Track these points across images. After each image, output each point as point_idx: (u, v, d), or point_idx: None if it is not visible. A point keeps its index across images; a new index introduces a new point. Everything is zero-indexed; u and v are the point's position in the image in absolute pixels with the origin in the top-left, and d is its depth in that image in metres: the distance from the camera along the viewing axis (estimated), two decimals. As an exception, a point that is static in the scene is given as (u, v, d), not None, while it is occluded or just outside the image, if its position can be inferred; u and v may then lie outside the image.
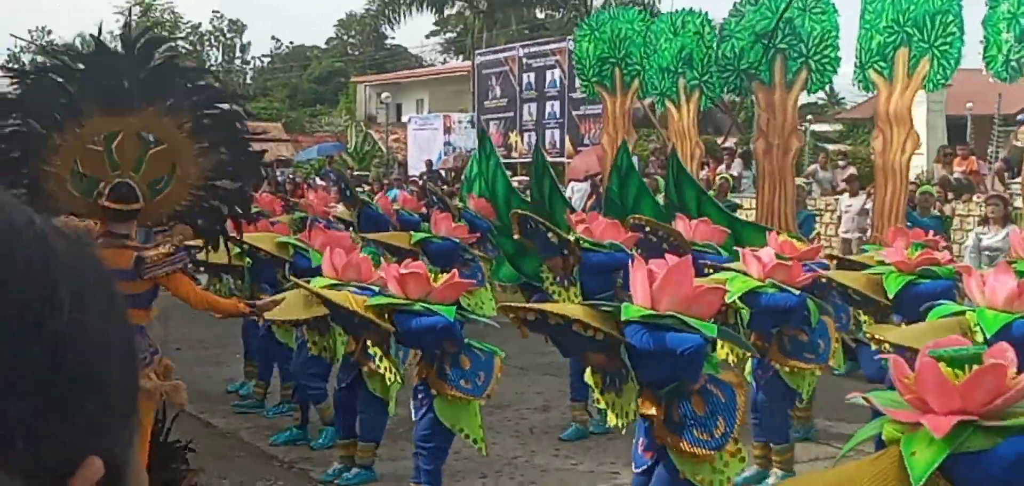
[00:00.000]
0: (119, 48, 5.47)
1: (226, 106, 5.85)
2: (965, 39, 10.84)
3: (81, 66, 5.34)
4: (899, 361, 3.11)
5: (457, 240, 10.95)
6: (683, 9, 14.11)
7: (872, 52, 11.31)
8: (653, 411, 4.98)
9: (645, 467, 5.15)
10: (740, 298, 6.74)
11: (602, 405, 5.25)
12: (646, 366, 4.93)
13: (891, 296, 7.28)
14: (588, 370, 5.27)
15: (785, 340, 7.20)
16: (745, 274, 7.01)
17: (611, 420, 5.18)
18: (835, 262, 9.01)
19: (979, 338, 5.38)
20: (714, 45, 13.49)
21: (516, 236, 9.66)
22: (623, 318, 4.94)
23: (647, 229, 9.57)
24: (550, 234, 8.79)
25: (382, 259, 11.16)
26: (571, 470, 7.73)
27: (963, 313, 5.68)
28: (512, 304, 5.53)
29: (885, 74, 11.22)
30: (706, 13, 14.08)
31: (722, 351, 6.86)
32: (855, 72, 11.71)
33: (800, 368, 7.19)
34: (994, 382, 2.83)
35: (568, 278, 8.60)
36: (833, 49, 12.28)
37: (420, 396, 6.30)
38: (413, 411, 6.39)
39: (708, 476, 4.97)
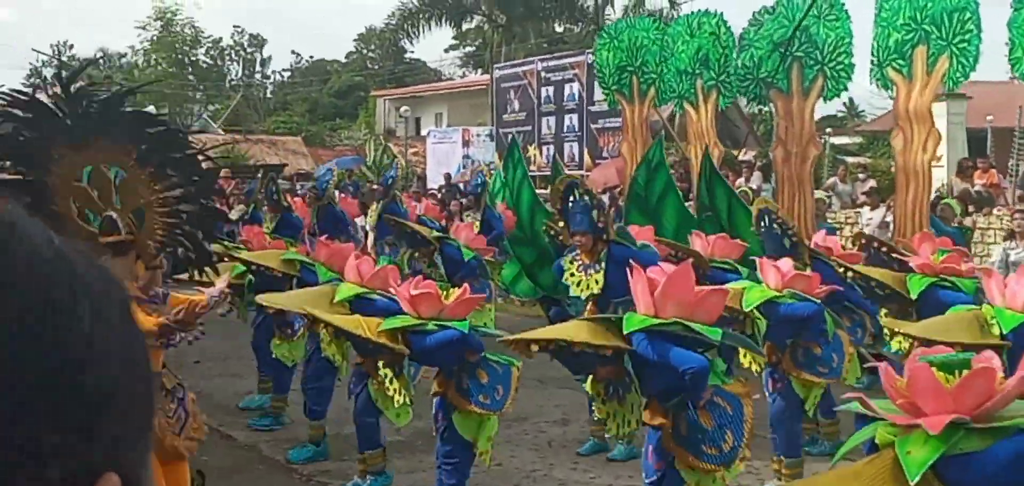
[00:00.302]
0: (57, 89, 5.53)
1: (159, 129, 5.83)
2: (982, 37, 10.80)
3: (28, 112, 5.37)
4: (887, 369, 3.10)
5: (474, 253, 10.94)
6: (699, 10, 14.15)
7: (890, 50, 11.28)
8: (660, 421, 4.97)
9: (654, 478, 5.14)
10: (758, 308, 6.69)
11: (602, 415, 5.25)
12: (650, 377, 4.93)
13: (914, 296, 7.27)
14: (590, 379, 5.23)
15: (799, 352, 7.18)
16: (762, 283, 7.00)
17: (611, 429, 5.21)
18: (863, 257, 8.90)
19: (996, 331, 5.51)
20: (731, 45, 13.54)
21: (557, 206, 9.34)
22: (626, 329, 4.89)
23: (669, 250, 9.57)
24: (595, 212, 8.47)
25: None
26: (589, 484, 7.73)
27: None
28: (514, 336, 5.31)
29: (904, 72, 11.18)
30: (722, 14, 14.11)
31: (745, 360, 6.84)
32: (872, 70, 11.65)
33: (811, 381, 7.18)
34: (984, 385, 2.87)
35: (594, 266, 8.41)
36: (847, 55, 12.30)
37: (439, 413, 6.30)
38: (434, 426, 6.40)
39: (482, 438, 5.68)
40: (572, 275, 8.44)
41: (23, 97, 5.58)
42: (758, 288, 6.80)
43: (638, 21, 15.53)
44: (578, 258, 8.49)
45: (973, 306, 6.22)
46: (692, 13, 14.26)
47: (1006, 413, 2.95)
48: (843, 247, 9.27)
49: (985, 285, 6.10)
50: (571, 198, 8.55)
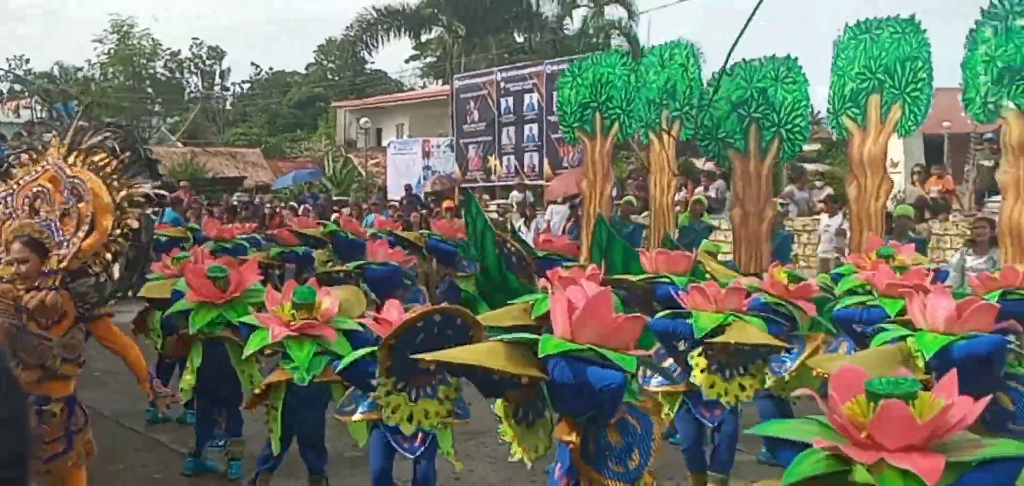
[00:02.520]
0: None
1: None
2: (933, 85, 10.97)
3: None
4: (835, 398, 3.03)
5: (396, 264, 10.77)
6: (671, 42, 14.20)
7: (845, 98, 11.39)
8: (573, 438, 4.78)
9: None
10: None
11: (508, 435, 4.98)
12: (565, 399, 4.72)
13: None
14: (499, 401, 5.00)
15: None
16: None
17: (516, 453, 4.94)
18: None
19: (920, 364, 5.31)
20: (698, 78, 13.58)
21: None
22: (542, 352, 4.62)
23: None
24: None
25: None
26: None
27: (905, 338, 5.59)
28: (431, 356, 4.82)
29: (858, 120, 11.30)
30: (693, 45, 14.20)
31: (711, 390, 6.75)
32: (829, 119, 11.81)
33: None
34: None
35: None
36: (803, 118, 12.48)
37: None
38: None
39: None
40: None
41: None
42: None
43: (603, 57, 15.53)
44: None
45: (897, 328, 5.88)
46: (664, 44, 14.31)
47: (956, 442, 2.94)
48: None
49: (908, 308, 5.85)
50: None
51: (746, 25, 12.25)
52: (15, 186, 5.70)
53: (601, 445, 4.77)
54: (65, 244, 5.46)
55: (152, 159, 6.02)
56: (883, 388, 2.97)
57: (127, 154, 5.81)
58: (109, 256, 5.66)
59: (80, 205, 5.55)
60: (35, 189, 5.62)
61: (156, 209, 6.34)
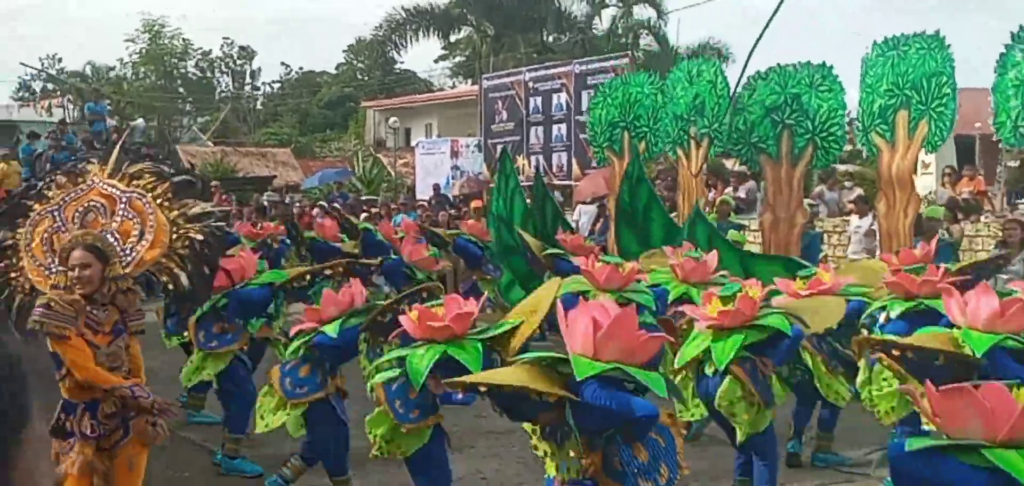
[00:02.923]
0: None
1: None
2: (957, 100, 10.95)
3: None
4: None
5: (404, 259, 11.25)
6: (700, 58, 14.20)
7: (874, 115, 11.37)
8: (592, 459, 4.75)
9: None
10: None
11: (540, 450, 5.01)
12: (594, 419, 4.63)
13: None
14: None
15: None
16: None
17: (550, 470, 4.92)
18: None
19: (969, 352, 5.42)
20: (726, 96, 13.55)
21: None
22: (579, 375, 4.55)
23: None
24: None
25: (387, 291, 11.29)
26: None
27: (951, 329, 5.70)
28: (458, 378, 5.00)
29: (887, 137, 11.26)
30: (720, 64, 14.22)
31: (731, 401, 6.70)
32: (858, 136, 11.77)
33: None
34: None
35: None
36: (839, 127, 12.36)
37: None
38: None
39: None
40: None
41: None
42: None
43: (632, 77, 15.54)
44: None
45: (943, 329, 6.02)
46: (692, 60, 14.31)
47: None
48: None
49: (946, 306, 5.95)
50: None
51: (766, 25, 12.23)
52: (61, 201, 5.92)
53: (627, 461, 4.71)
54: (129, 252, 5.68)
55: (201, 178, 6.35)
56: None
57: (172, 179, 6.08)
58: (174, 266, 5.87)
59: (140, 219, 5.79)
60: (87, 203, 5.86)
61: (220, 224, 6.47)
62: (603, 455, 4.75)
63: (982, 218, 15.64)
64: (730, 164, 21.40)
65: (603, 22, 42.36)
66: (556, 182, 24.63)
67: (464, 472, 7.46)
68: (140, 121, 33.73)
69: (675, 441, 4.85)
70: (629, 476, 4.70)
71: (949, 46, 11.06)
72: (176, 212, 5.94)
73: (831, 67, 12.30)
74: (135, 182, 5.98)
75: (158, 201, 5.92)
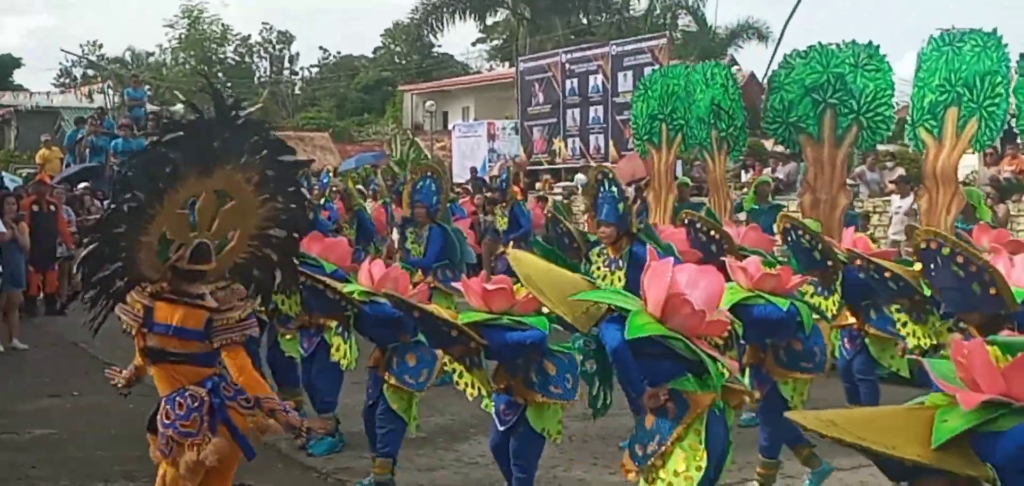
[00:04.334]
0: (212, 111, 5.63)
1: (290, 158, 5.94)
2: (1010, 100, 10.72)
3: (181, 133, 5.41)
4: (958, 341, 3.60)
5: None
6: (712, 62, 14.05)
7: (924, 110, 11.12)
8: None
9: (507, 425, 6.24)
10: (731, 310, 6.18)
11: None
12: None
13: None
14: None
15: (780, 351, 7.02)
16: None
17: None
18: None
19: None
20: (738, 98, 13.39)
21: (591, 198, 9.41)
22: (638, 334, 4.95)
23: (698, 225, 9.52)
24: (621, 205, 8.41)
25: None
26: (609, 480, 7.63)
27: None
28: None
29: (935, 133, 11.03)
30: (730, 68, 14.05)
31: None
32: (907, 131, 11.55)
33: (795, 377, 7.05)
34: None
35: (618, 262, 8.34)
36: (887, 107, 12.04)
37: (504, 409, 6.29)
38: (498, 422, 6.34)
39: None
40: (598, 269, 8.38)
41: (191, 116, 5.81)
42: (729, 289, 6.37)
43: (671, 69, 15.40)
44: (604, 252, 8.44)
45: None
46: (706, 64, 14.17)
47: None
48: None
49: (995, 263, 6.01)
50: (601, 189, 8.54)
51: (797, 3, 12.05)
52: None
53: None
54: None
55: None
56: (999, 340, 3.41)
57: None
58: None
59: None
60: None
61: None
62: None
63: (1024, 197, 15.42)
64: (769, 144, 21.21)
65: (641, 2, 42.15)
66: (593, 164, 24.54)
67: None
68: (179, 107, 33.97)
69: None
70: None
71: (1006, 45, 10.83)
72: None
73: (878, 47, 12.06)
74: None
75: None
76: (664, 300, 4.88)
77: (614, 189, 8.36)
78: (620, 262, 8.23)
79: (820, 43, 12.45)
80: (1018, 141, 17.67)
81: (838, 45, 12.27)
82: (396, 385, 7.03)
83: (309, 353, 8.42)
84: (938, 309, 6.84)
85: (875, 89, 11.99)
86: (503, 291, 6.16)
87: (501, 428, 6.32)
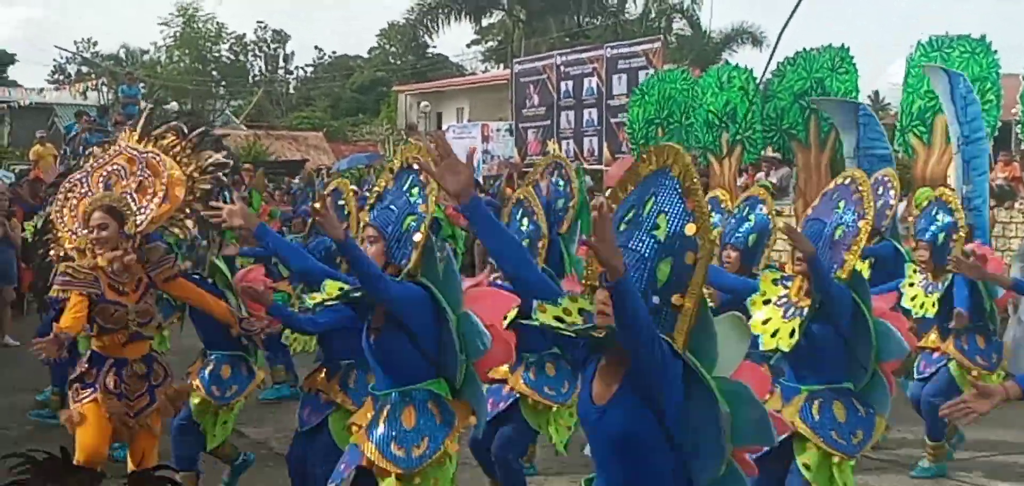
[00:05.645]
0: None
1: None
2: (1001, 107, 10.76)
3: None
4: None
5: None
6: (729, 64, 14.07)
7: (912, 116, 11.18)
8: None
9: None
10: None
11: None
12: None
13: None
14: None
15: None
16: None
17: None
18: None
19: None
20: (758, 102, 13.41)
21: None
22: None
23: None
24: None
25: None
26: None
27: None
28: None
29: (924, 139, 11.08)
30: (751, 70, 14.06)
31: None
32: (896, 136, 11.61)
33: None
34: None
35: None
36: None
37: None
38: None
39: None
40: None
41: None
42: None
43: (669, 74, 15.42)
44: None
45: None
46: (722, 66, 14.20)
47: None
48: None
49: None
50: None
51: (793, 10, 12.13)
52: (89, 168, 6.27)
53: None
54: (142, 211, 5.96)
55: (217, 136, 6.61)
56: None
57: (195, 133, 6.41)
58: (189, 222, 6.26)
59: (154, 178, 6.07)
60: (109, 168, 6.19)
61: (223, 187, 6.85)
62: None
63: (1016, 204, 15.45)
64: (763, 151, 21.25)
65: (636, 6, 42.18)
66: (587, 167, 24.57)
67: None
68: (173, 105, 33.94)
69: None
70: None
71: (995, 52, 10.85)
72: (193, 165, 6.24)
73: (847, 49, 12.15)
74: (159, 143, 6.27)
75: (177, 158, 6.20)
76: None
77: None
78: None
79: (804, 49, 12.52)
80: (1011, 148, 17.76)
81: (817, 50, 12.36)
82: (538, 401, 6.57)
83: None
84: None
85: (844, 92, 12.12)
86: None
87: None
